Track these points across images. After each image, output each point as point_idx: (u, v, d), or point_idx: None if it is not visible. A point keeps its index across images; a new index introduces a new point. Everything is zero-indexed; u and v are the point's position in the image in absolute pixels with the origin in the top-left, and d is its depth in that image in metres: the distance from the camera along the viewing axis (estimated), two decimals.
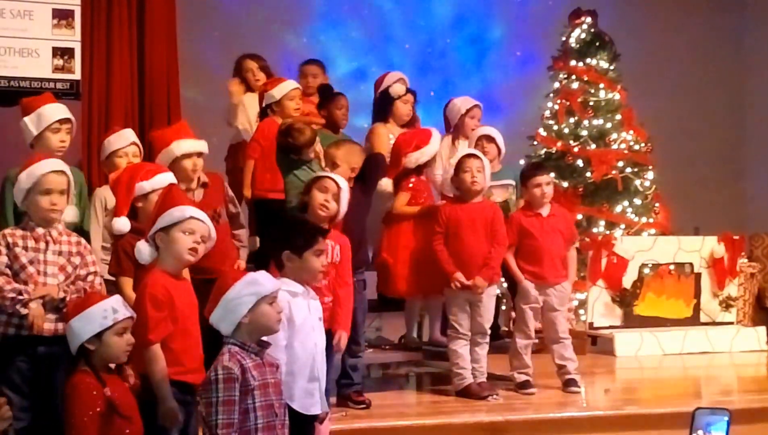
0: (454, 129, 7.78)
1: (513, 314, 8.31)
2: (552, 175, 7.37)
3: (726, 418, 4.06)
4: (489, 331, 6.66)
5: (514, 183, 7.55)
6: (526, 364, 6.74)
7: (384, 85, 7.89)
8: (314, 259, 4.82)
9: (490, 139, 7.57)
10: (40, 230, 4.90)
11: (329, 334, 5.33)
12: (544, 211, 6.81)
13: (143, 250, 4.74)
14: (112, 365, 4.57)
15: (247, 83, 8.00)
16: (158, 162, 5.86)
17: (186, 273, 5.02)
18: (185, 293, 4.75)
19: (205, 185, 5.98)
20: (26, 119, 5.84)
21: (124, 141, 6.27)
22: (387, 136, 7.42)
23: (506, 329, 8.10)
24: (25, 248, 4.85)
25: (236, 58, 8.17)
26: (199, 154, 5.91)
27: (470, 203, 6.61)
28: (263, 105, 7.24)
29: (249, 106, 7.78)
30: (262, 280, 4.41)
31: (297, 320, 4.63)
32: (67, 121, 5.87)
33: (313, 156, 6.41)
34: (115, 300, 4.59)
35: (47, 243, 4.91)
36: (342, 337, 5.55)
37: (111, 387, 4.43)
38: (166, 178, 5.36)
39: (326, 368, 5.06)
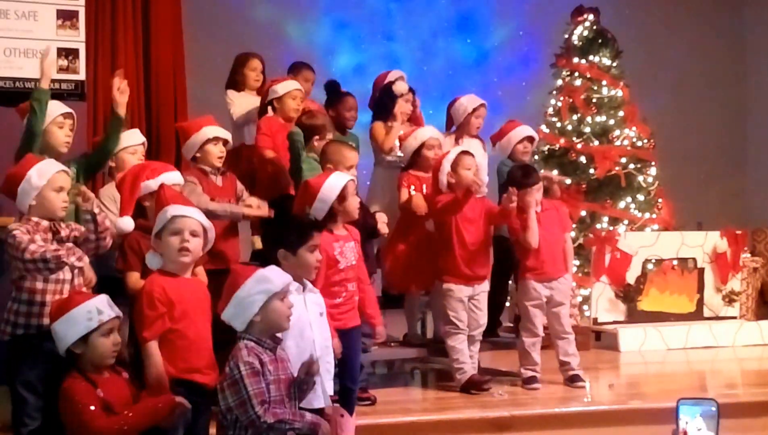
0: (458, 127, 7.82)
1: (517, 312, 8.37)
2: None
3: (714, 408, 4.10)
4: (483, 327, 6.78)
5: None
6: (534, 362, 6.78)
7: (386, 83, 7.92)
8: (308, 255, 4.86)
9: (532, 139, 7.80)
10: (44, 223, 4.97)
11: (357, 330, 5.57)
12: (537, 207, 6.83)
13: (151, 259, 4.81)
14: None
15: (243, 83, 7.70)
16: (187, 146, 6.19)
17: (201, 271, 5.08)
18: (190, 292, 4.79)
19: (224, 173, 6.24)
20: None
21: (135, 139, 6.34)
22: (385, 130, 7.48)
23: (510, 325, 8.11)
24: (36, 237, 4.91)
25: (240, 55, 7.89)
26: (225, 142, 6.26)
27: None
28: (266, 100, 7.22)
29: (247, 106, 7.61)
30: (272, 277, 4.46)
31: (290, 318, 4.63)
32: (69, 116, 5.91)
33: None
34: (100, 300, 4.63)
35: (54, 233, 4.98)
36: (384, 331, 5.90)
37: (104, 387, 4.48)
38: (172, 176, 5.43)
39: (354, 360, 5.39)
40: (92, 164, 6.02)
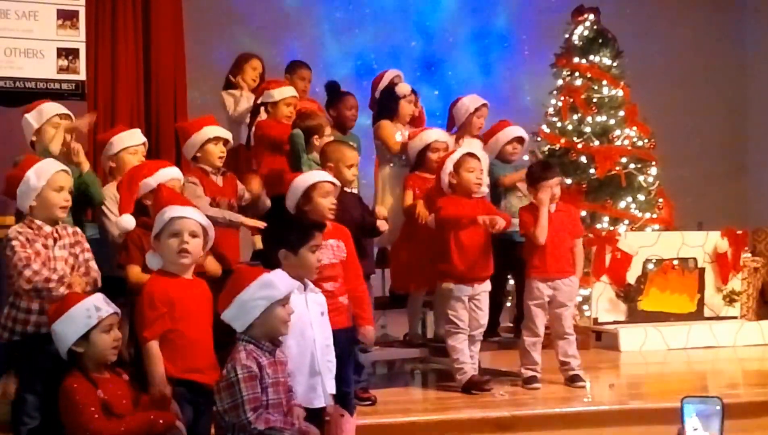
0: (459, 127, 7.82)
1: (516, 312, 8.38)
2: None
3: (718, 407, 4.08)
4: (484, 327, 6.77)
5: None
6: (534, 361, 6.77)
7: (383, 83, 7.91)
8: (310, 254, 4.85)
9: (522, 140, 7.78)
10: (47, 228, 4.96)
11: (346, 333, 5.41)
12: (552, 207, 6.82)
13: (152, 260, 4.81)
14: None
15: (242, 80, 7.83)
16: (188, 146, 6.24)
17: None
18: (191, 292, 4.80)
19: (225, 174, 6.28)
20: (27, 115, 5.94)
21: (136, 139, 6.35)
22: (395, 130, 7.48)
23: (511, 325, 8.11)
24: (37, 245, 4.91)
25: (242, 54, 8.04)
26: (225, 142, 6.28)
27: (470, 200, 6.68)
28: (258, 102, 7.22)
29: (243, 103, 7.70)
30: (277, 283, 4.46)
31: (291, 318, 4.61)
32: (67, 117, 5.93)
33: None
34: (96, 298, 4.67)
35: (55, 240, 4.97)
36: (369, 332, 5.66)
37: (104, 387, 4.49)
38: (170, 172, 5.48)
39: (345, 363, 5.20)
40: (81, 201, 5.84)
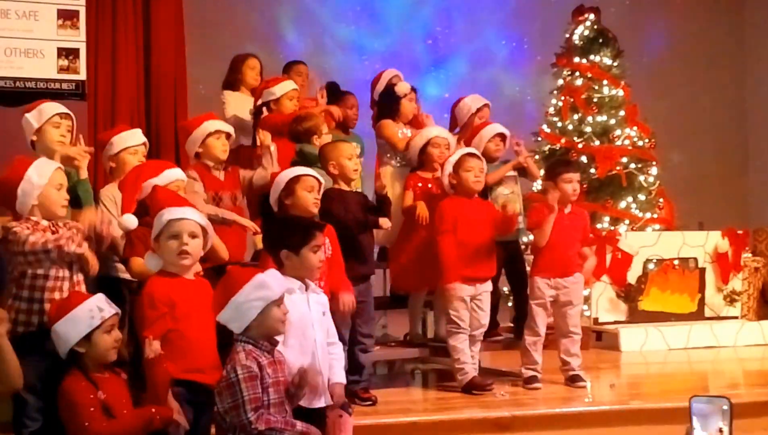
0: (461, 128, 7.82)
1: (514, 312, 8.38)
2: None
3: (725, 407, 4.08)
4: (485, 327, 6.75)
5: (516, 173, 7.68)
6: (535, 361, 6.76)
7: (381, 83, 7.91)
8: (312, 255, 4.85)
9: (504, 137, 7.71)
10: (44, 222, 4.98)
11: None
12: (567, 208, 6.81)
13: (150, 261, 4.81)
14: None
15: (241, 82, 7.85)
16: (189, 142, 6.31)
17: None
18: (192, 292, 4.79)
19: (227, 168, 6.34)
20: (27, 115, 5.92)
21: (136, 139, 6.34)
22: (397, 129, 7.47)
23: (512, 325, 8.11)
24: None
25: (238, 55, 8.04)
26: (228, 136, 6.35)
27: (472, 200, 6.67)
28: (260, 102, 7.22)
29: (242, 106, 7.70)
30: (271, 283, 4.44)
31: (292, 317, 4.60)
32: (67, 117, 5.93)
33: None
34: (98, 298, 4.68)
35: (53, 232, 4.98)
36: (346, 297, 5.60)
37: (104, 387, 4.50)
38: (174, 173, 5.48)
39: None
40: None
